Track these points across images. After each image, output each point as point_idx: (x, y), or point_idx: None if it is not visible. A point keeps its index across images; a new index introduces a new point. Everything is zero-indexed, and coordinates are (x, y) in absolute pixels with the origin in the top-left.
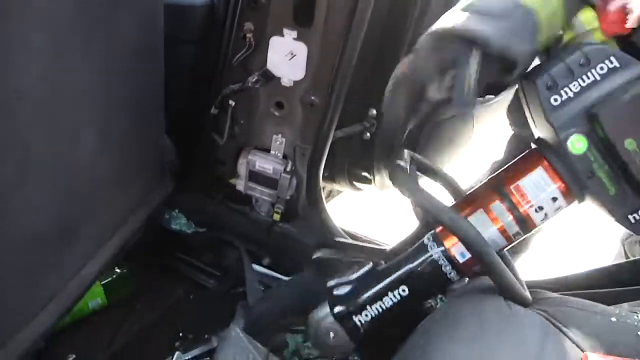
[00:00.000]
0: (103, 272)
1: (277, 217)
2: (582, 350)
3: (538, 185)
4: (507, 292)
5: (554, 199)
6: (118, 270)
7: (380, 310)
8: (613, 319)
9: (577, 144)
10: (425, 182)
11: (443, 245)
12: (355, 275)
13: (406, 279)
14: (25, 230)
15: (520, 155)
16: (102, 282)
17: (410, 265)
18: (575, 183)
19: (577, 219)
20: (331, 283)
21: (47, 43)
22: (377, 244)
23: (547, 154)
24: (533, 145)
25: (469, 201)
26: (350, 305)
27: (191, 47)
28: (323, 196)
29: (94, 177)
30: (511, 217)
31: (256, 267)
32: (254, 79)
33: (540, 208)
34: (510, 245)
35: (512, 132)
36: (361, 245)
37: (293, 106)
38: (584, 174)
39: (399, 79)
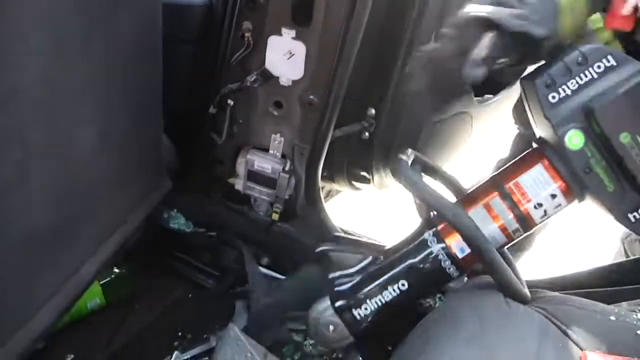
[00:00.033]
0: (102, 271)
1: (275, 216)
2: (581, 349)
3: (537, 181)
4: (506, 288)
5: (553, 196)
6: (117, 270)
7: (379, 304)
8: (612, 317)
9: (574, 139)
10: (427, 182)
11: (444, 241)
12: (355, 269)
13: (406, 274)
14: (23, 229)
15: (521, 155)
16: (101, 282)
17: (411, 261)
18: (575, 181)
19: (577, 218)
20: (332, 276)
21: (46, 42)
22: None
23: (547, 152)
24: (534, 145)
25: (470, 198)
26: (350, 299)
27: (190, 46)
28: (322, 196)
29: (92, 176)
30: (510, 213)
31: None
32: (253, 79)
33: (540, 205)
34: (511, 244)
35: (517, 131)
36: (361, 241)
37: (291, 105)
38: (581, 170)
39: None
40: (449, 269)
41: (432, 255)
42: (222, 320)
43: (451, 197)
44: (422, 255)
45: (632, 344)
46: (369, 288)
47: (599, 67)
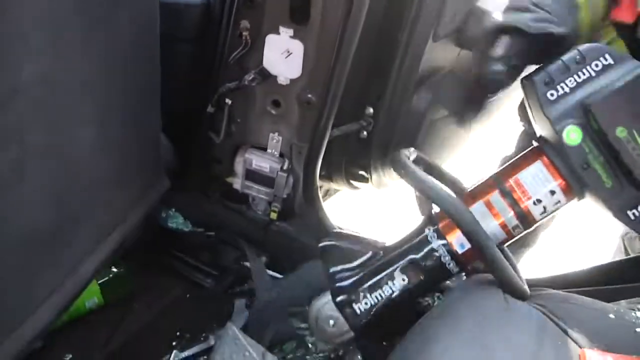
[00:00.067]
0: (100, 270)
1: (274, 215)
2: (580, 347)
3: (536, 178)
4: (504, 283)
5: (552, 193)
6: (115, 270)
7: (380, 298)
8: (611, 315)
9: (572, 135)
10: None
11: (445, 238)
12: (356, 264)
13: (406, 269)
14: (21, 228)
15: (522, 153)
16: (99, 282)
17: (411, 256)
18: (573, 177)
19: (577, 215)
20: (334, 270)
21: (44, 42)
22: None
23: (547, 149)
24: (535, 144)
25: (470, 195)
26: (351, 294)
27: (187, 45)
28: (320, 195)
29: (90, 175)
30: (510, 210)
31: None
32: (251, 77)
33: (539, 201)
34: (512, 241)
35: (523, 129)
36: (361, 238)
37: (289, 104)
38: (579, 165)
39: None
40: (449, 264)
41: (433, 251)
42: (221, 320)
43: None
44: (422, 251)
45: (631, 341)
46: (370, 283)
47: (596, 65)
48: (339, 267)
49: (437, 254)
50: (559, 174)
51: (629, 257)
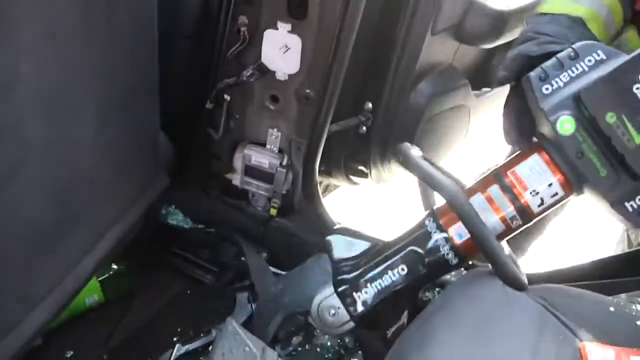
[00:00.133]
0: (100, 267)
1: (273, 211)
2: (581, 340)
3: (533, 169)
4: (501, 272)
5: (549, 184)
6: (115, 267)
7: (380, 287)
8: (612, 308)
9: (565, 125)
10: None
11: (445, 230)
12: (358, 253)
13: (406, 259)
14: (20, 225)
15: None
16: (100, 279)
17: (412, 248)
18: (570, 169)
19: (579, 206)
20: (338, 257)
21: (43, 36)
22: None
23: (544, 143)
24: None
25: (470, 189)
26: (352, 283)
27: (186, 42)
28: (319, 190)
29: (89, 171)
30: (509, 202)
31: None
32: (249, 73)
33: (536, 192)
34: (512, 235)
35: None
36: (362, 233)
37: (288, 100)
38: (573, 155)
39: None
40: (448, 254)
41: (433, 243)
42: (221, 316)
43: None
44: (423, 243)
45: (631, 334)
46: (371, 273)
47: (589, 60)
48: (341, 257)
49: (437, 245)
50: (556, 166)
51: (629, 250)
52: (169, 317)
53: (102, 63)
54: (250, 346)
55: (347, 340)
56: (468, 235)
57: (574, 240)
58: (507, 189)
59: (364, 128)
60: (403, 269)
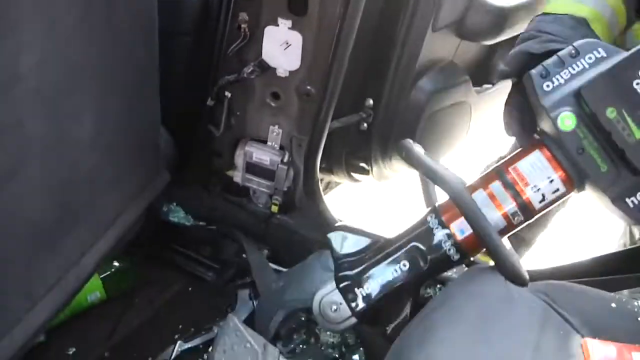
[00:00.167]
0: (101, 264)
1: (275, 208)
2: (582, 336)
3: (534, 166)
4: (502, 267)
5: (551, 180)
6: (117, 264)
7: (381, 283)
8: (613, 305)
9: (566, 121)
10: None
11: (447, 226)
12: (360, 249)
13: (407, 255)
14: (21, 222)
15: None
16: (101, 276)
17: (414, 244)
18: (571, 165)
19: (581, 201)
20: (343, 252)
21: (43, 33)
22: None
23: (546, 140)
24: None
25: (471, 186)
26: (354, 279)
27: (186, 38)
28: (321, 188)
29: (90, 168)
30: (510, 198)
31: None
32: (250, 70)
33: (538, 188)
34: (513, 231)
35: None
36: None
37: (289, 96)
38: (574, 151)
39: None
40: (450, 250)
41: (436, 240)
42: (222, 313)
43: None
44: (425, 239)
45: (633, 330)
46: (373, 269)
47: (590, 58)
48: (343, 253)
49: (439, 242)
50: (557, 162)
51: (631, 247)
52: (171, 314)
53: (103, 62)
54: (252, 343)
55: (348, 337)
56: (470, 231)
57: (576, 236)
58: (508, 185)
59: (365, 125)
60: (405, 265)
